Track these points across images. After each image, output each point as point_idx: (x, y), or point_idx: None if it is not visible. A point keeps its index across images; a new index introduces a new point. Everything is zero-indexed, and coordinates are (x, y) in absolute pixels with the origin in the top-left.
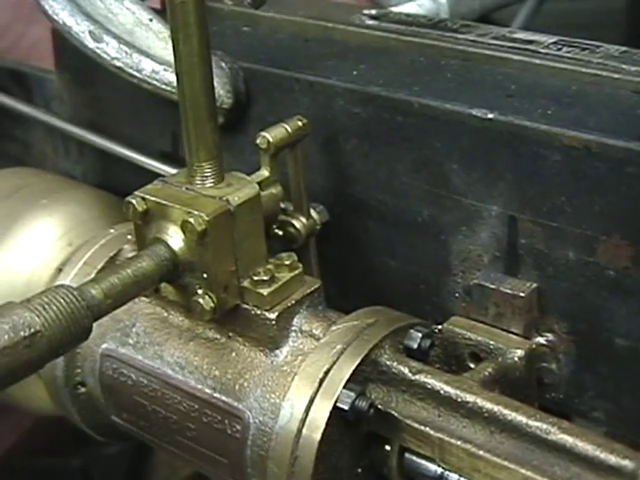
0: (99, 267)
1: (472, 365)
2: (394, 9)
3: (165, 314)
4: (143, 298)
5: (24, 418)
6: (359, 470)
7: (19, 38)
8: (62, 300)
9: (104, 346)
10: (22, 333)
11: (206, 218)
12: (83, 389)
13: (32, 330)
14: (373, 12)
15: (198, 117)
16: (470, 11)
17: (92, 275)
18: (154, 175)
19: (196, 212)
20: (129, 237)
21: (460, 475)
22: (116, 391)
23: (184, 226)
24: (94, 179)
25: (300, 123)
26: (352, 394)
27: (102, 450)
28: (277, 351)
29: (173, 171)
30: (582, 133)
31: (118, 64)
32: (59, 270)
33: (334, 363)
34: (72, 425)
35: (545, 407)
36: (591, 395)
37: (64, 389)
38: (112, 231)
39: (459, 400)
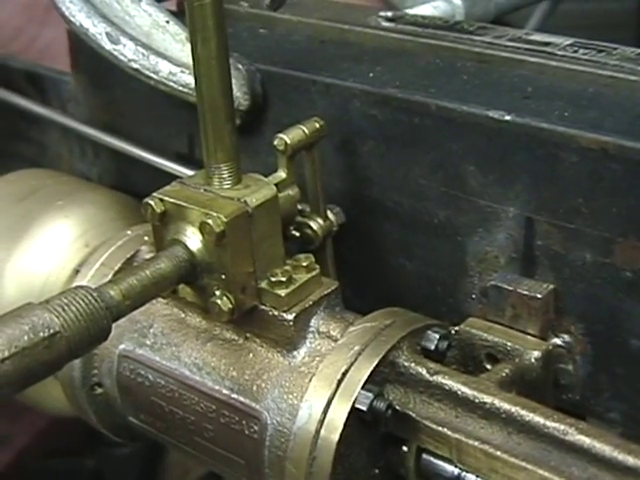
0: (116, 268)
1: (489, 366)
2: (410, 11)
3: (183, 315)
4: (160, 299)
5: (38, 419)
6: (376, 471)
7: (32, 40)
8: (81, 301)
9: (121, 347)
10: (41, 334)
11: (224, 219)
12: (100, 390)
13: (51, 331)
14: (389, 14)
15: (216, 119)
16: (486, 13)
17: (109, 276)
18: (170, 177)
19: (214, 213)
20: (146, 238)
21: (478, 476)
22: (133, 392)
23: (202, 227)
24: (110, 181)
25: (317, 125)
26: (370, 395)
27: (115, 451)
28: (295, 352)
29: (189, 173)
30: (599, 135)
31: (135, 66)
32: (76, 271)
33: (352, 364)
34: (85, 426)
35: (561, 408)
36: (607, 396)
37: (81, 390)
38: (129, 232)
39: (477, 401)
